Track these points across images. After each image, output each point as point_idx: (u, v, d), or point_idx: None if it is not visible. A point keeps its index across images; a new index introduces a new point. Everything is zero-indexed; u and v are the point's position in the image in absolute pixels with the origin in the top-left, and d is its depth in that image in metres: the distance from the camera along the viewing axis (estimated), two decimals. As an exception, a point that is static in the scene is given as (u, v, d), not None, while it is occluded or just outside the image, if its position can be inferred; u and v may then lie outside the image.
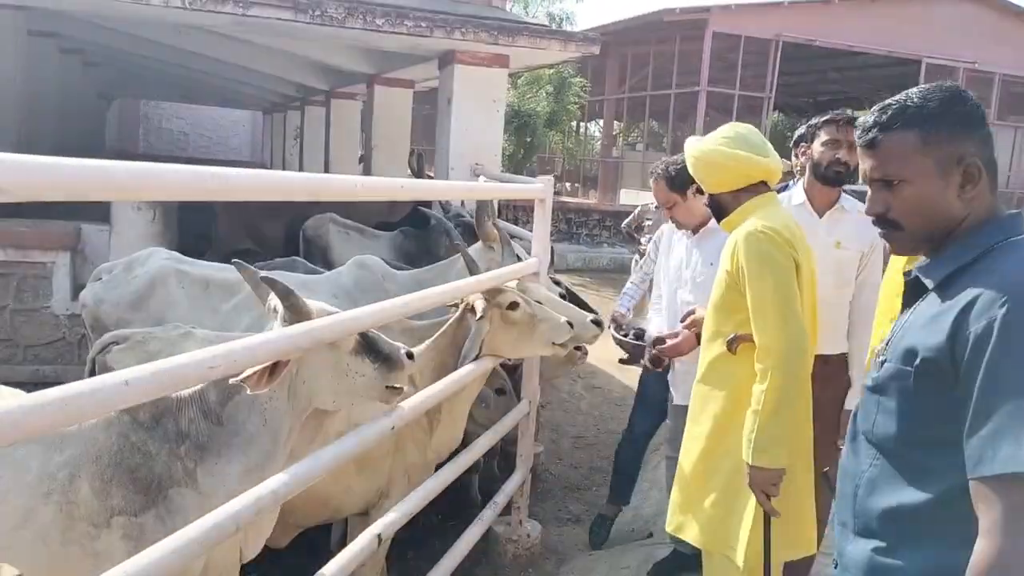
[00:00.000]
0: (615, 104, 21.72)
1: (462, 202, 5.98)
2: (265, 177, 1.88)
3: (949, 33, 18.74)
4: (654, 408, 3.98)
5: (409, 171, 8.06)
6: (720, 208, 2.71)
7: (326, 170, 12.53)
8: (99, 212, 5.97)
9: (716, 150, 2.64)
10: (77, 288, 5.96)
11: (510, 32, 6.00)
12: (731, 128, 2.72)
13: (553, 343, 3.26)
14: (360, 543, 2.39)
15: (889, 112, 1.49)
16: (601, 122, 25.94)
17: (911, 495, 1.39)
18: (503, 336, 3.27)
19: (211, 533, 1.58)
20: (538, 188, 3.81)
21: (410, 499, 2.72)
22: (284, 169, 16.52)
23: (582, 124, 26.04)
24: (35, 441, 1.79)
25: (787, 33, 17.71)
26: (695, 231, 3.44)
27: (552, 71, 17.05)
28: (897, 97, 1.53)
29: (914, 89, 1.54)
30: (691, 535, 2.70)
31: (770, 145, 2.72)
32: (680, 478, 2.78)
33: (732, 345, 2.59)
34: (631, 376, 7.86)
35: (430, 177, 8.68)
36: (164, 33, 8.88)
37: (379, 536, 2.45)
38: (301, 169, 14.04)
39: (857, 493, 1.49)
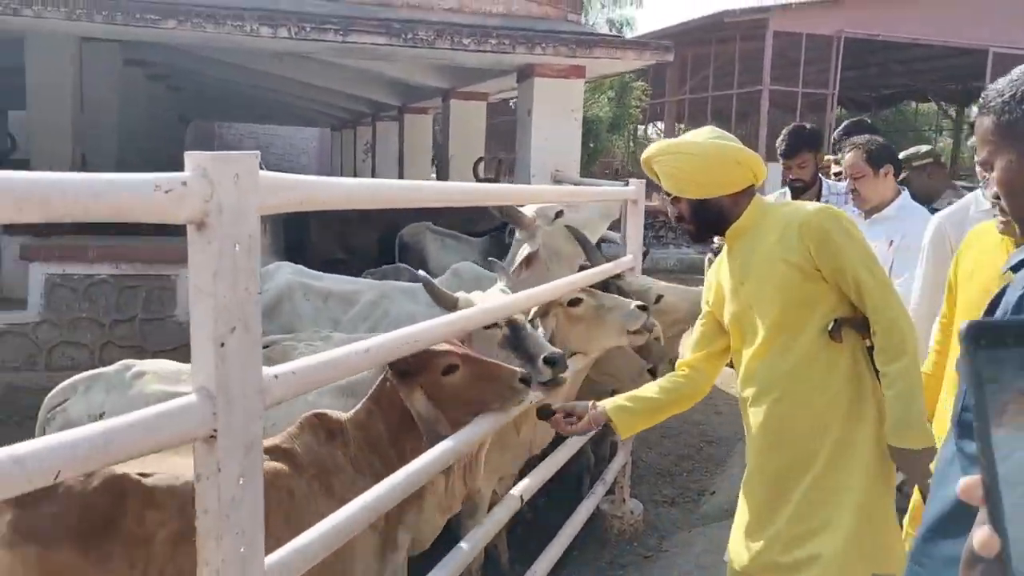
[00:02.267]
0: (676, 106, 21.88)
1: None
2: (424, 186, 2.25)
3: (1015, 21, 18.45)
4: None
5: (474, 179, 8.52)
6: (720, 215, 2.37)
7: (401, 182, 13.07)
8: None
9: (729, 146, 2.35)
10: (197, 298, 6.50)
11: (587, 45, 6.36)
12: (711, 130, 2.47)
13: (628, 331, 3.21)
14: (506, 504, 2.75)
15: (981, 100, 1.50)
16: (661, 124, 26.13)
17: None
18: (573, 333, 3.27)
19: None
20: (631, 191, 4.14)
21: (542, 468, 3.07)
22: (356, 183, 17.13)
23: (642, 127, 26.23)
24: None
25: (849, 29, 17.68)
26: (868, 214, 3.55)
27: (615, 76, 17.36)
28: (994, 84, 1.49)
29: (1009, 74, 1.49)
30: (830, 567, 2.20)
31: None
32: (791, 520, 2.28)
33: (837, 332, 2.25)
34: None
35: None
36: (248, 58, 9.45)
37: (521, 497, 2.80)
38: (374, 182, 14.58)
39: None
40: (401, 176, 13.22)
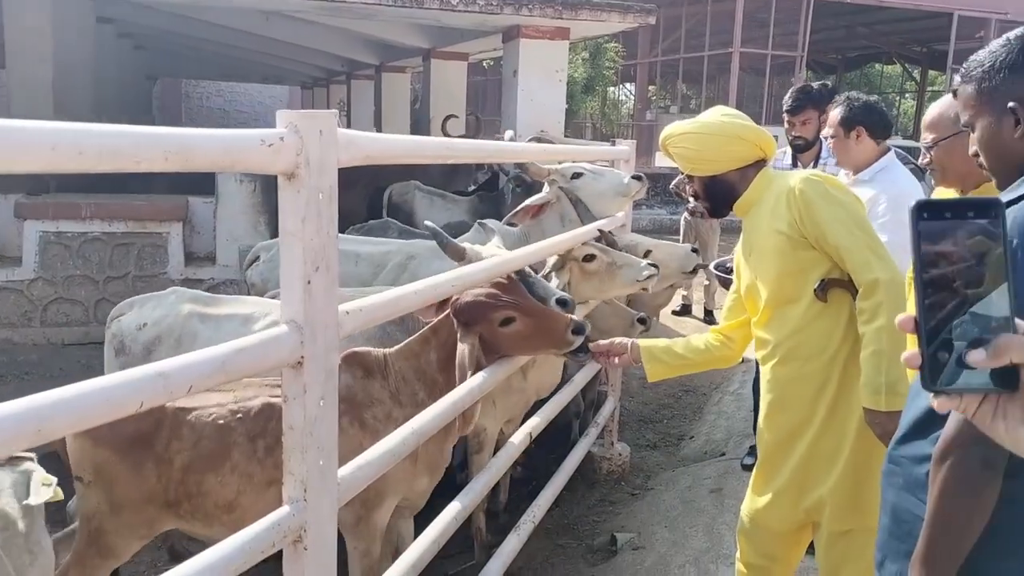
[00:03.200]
0: (648, 68, 22.01)
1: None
2: (457, 143, 2.43)
3: (981, -16, 18.81)
4: None
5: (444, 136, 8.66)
6: (729, 190, 2.48)
7: (378, 142, 13.08)
8: (204, 186, 6.58)
9: (733, 123, 2.45)
10: (188, 255, 6.60)
11: (573, 7, 6.48)
12: (721, 109, 2.59)
13: (637, 280, 3.46)
14: (517, 439, 2.97)
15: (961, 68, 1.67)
16: (632, 86, 26.23)
17: None
18: (585, 285, 3.52)
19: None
20: (623, 150, 4.33)
21: (547, 408, 3.30)
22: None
23: (614, 88, 26.32)
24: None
25: (818, -9, 17.91)
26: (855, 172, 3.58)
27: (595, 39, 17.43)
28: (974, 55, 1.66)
29: (989, 45, 1.62)
30: (826, 517, 2.35)
31: None
32: (796, 472, 2.40)
33: (823, 290, 2.32)
34: (688, 328, 8.41)
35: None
36: (219, 15, 9.38)
37: (530, 434, 3.03)
38: (349, 142, 14.55)
39: None
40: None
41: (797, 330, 2.37)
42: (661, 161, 20.34)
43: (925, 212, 0.84)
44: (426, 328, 2.51)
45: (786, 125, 4.34)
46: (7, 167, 1.03)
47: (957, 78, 1.67)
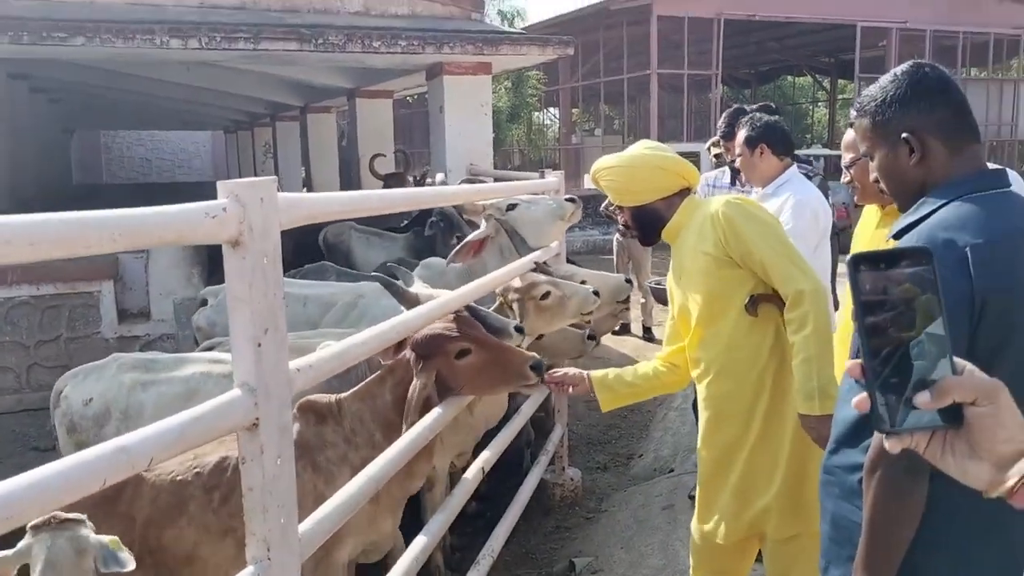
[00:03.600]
0: (570, 92, 22.40)
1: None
2: (395, 194, 2.48)
3: (879, -4, 19.70)
4: None
5: (372, 175, 8.69)
6: (656, 218, 2.59)
7: (308, 182, 13.04)
8: (134, 241, 6.47)
9: (654, 155, 2.59)
10: (122, 312, 6.49)
11: (493, 42, 6.62)
12: (645, 143, 2.72)
13: (583, 312, 3.65)
14: (470, 474, 3.02)
15: (856, 102, 1.82)
16: (555, 110, 26.66)
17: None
18: (538, 320, 3.62)
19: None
20: (552, 182, 4.45)
21: (498, 441, 3.35)
22: (257, 185, 16.91)
23: (538, 114, 26.69)
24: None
25: (727, 11, 18.52)
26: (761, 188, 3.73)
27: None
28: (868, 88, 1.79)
29: (883, 77, 1.72)
30: (770, 527, 2.46)
31: None
32: (736, 486, 2.50)
33: (753, 306, 2.43)
34: (628, 346, 8.57)
35: (415, 177, 9.31)
36: (136, 67, 9.27)
37: (483, 469, 3.08)
38: (279, 186, 14.45)
39: None
40: (308, 175, 13.20)
41: (728, 347, 2.47)
42: (591, 183, 20.69)
43: (862, 264, 0.89)
44: (382, 369, 2.55)
45: (721, 149, 4.55)
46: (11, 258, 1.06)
47: (852, 111, 1.78)
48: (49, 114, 15.62)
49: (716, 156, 5.14)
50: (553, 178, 4.48)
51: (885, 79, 1.69)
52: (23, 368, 6.16)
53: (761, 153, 3.67)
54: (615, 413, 6.48)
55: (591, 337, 4.01)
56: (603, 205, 8.97)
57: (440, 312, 2.47)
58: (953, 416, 0.86)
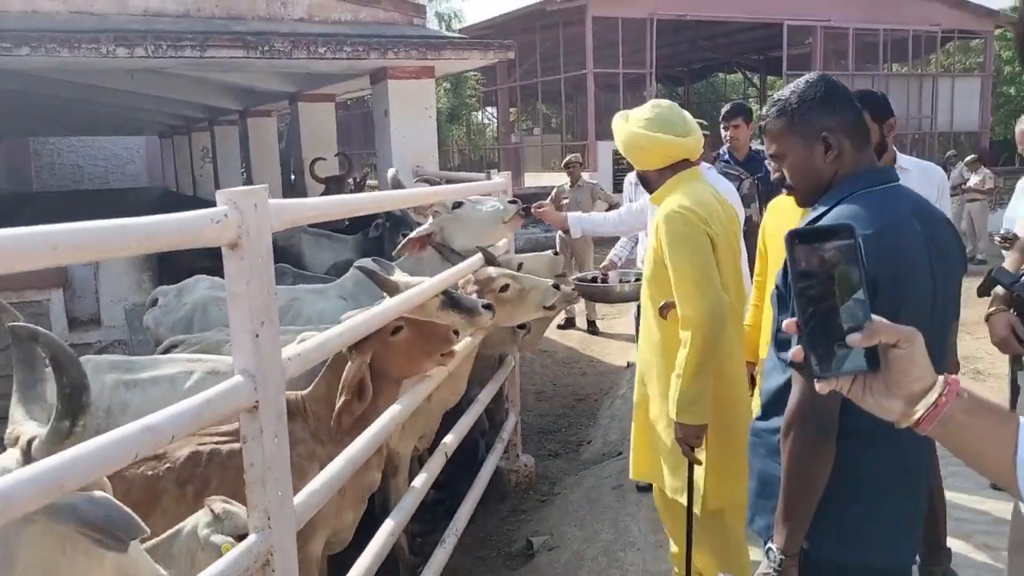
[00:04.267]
0: (508, 92, 22.65)
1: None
2: (367, 198, 2.67)
3: (804, -5, 20.41)
4: None
5: (313, 179, 8.81)
6: (648, 184, 2.92)
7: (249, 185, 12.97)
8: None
9: (638, 133, 2.79)
10: (72, 320, 6.49)
11: (436, 47, 6.81)
12: (651, 109, 2.87)
13: (543, 306, 3.84)
14: (435, 461, 3.22)
15: (768, 106, 1.97)
16: (493, 110, 26.89)
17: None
18: (500, 312, 3.66)
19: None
20: (500, 183, 4.66)
21: (459, 425, 3.55)
22: (195, 190, 16.78)
23: (476, 113, 26.88)
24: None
25: (660, 11, 18.98)
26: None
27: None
28: (777, 94, 2.01)
29: (789, 86, 1.93)
30: (641, 474, 3.09)
31: (692, 122, 2.91)
32: (635, 432, 3.08)
33: (663, 311, 2.79)
34: (573, 339, 8.84)
35: (355, 179, 9.43)
36: (67, 72, 9.16)
37: (446, 453, 3.28)
38: (217, 189, 14.33)
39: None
40: (249, 179, 13.16)
41: (649, 331, 2.93)
42: (531, 181, 20.97)
43: (797, 239, 1.06)
44: (324, 369, 2.64)
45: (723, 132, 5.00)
46: (14, 267, 1.23)
47: (765, 113, 1.98)
48: (-23, 120, 15.25)
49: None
50: (500, 179, 4.69)
51: (800, 83, 1.89)
52: (-28, 379, 6.12)
53: (889, 131, 3.21)
54: (563, 403, 6.77)
55: (521, 326, 4.18)
56: (532, 207, 9.27)
57: (420, 298, 2.67)
58: (874, 362, 1.05)
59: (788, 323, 1.09)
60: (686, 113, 2.91)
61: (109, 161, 26.19)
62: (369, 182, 11.17)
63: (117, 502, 1.42)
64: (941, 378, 1.04)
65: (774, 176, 2.82)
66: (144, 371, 3.09)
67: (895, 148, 3.30)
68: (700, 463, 2.70)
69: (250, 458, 1.75)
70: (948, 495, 3.48)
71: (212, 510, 1.90)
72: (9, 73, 9.63)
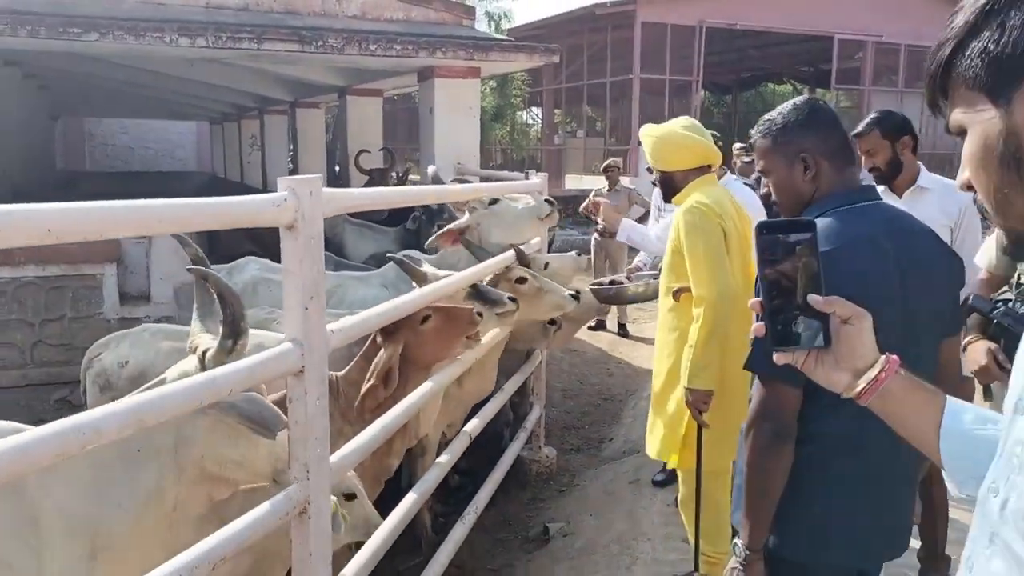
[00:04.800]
0: (553, 94, 22.82)
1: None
2: (410, 190, 2.88)
3: (858, 10, 20.23)
4: None
5: (358, 171, 9.06)
6: (672, 185, 3.21)
7: (295, 175, 13.31)
8: (136, 227, 6.80)
9: (679, 132, 3.16)
10: (123, 295, 6.81)
11: (483, 48, 7.02)
12: (685, 119, 3.28)
13: (559, 307, 4.01)
14: (459, 442, 3.42)
15: (758, 126, 2.08)
16: (538, 111, 27.08)
17: None
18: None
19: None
20: (537, 183, 4.85)
21: (484, 411, 3.75)
22: (243, 177, 17.23)
23: (521, 113, 27.08)
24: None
25: (709, 19, 19.01)
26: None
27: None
28: (767, 115, 2.08)
29: (778, 108, 2.06)
30: (652, 450, 3.33)
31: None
32: (651, 409, 3.34)
33: (676, 295, 3.12)
34: (603, 341, 8.99)
35: (398, 173, 9.68)
36: (138, 59, 9.54)
37: (470, 435, 3.48)
38: (264, 177, 14.73)
39: None
40: (295, 168, 13.50)
41: (666, 311, 3.22)
42: (571, 183, 21.13)
43: (763, 230, 1.22)
44: (359, 355, 2.85)
45: (750, 157, 4.86)
46: (112, 233, 1.44)
47: (754, 132, 2.10)
48: (38, 100, 15.80)
49: (745, 163, 5.34)
50: (537, 179, 4.88)
51: (787, 107, 2.04)
52: (28, 345, 6.46)
53: (904, 148, 3.29)
54: (588, 402, 6.94)
55: (552, 322, 4.35)
56: (582, 206, 9.43)
57: (451, 288, 2.88)
58: (827, 338, 1.20)
59: (753, 302, 1.25)
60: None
61: (160, 145, 26.91)
62: (411, 176, 11.44)
63: (267, 402, 1.88)
64: (883, 356, 1.19)
65: (761, 191, 2.98)
66: (196, 342, 3.32)
67: (921, 165, 3.41)
68: (707, 426, 2.95)
69: (295, 416, 1.96)
70: (952, 504, 3.58)
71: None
72: (75, 56, 10.05)
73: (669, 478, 4.31)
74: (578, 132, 26.41)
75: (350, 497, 2.33)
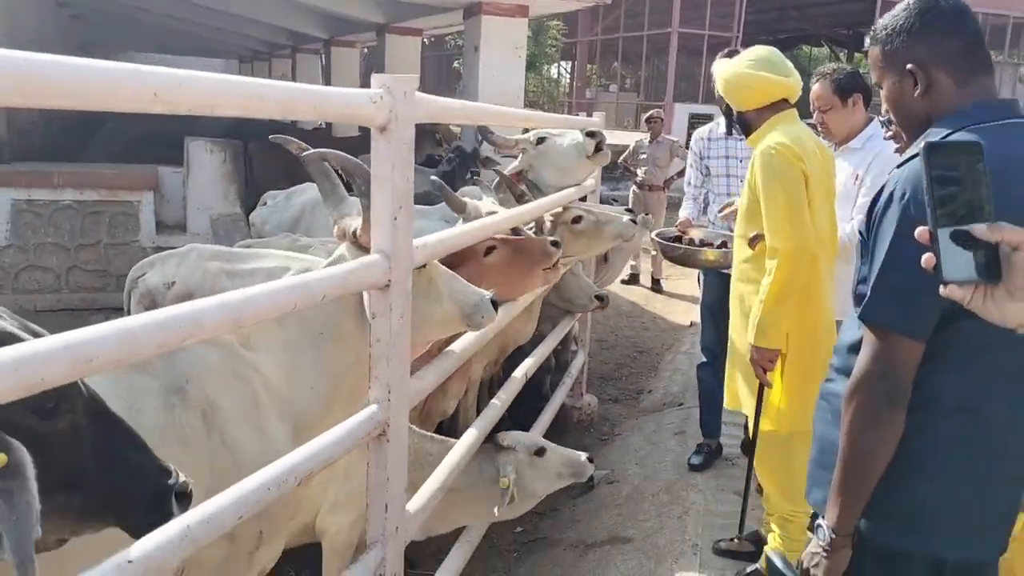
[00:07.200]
0: (588, 46, 22.41)
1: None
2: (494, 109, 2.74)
3: (904, -29, 19.66)
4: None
5: None
6: (747, 125, 3.03)
7: (328, 116, 13.13)
8: (174, 156, 6.71)
9: (743, 72, 2.94)
10: (159, 223, 6.73)
11: (534, -14, 6.78)
12: (755, 51, 3.02)
13: (620, 235, 3.94)
14: (513, 383, 3.32)
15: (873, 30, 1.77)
16: (567, 65, 26.65)
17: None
18: (574, 244, 3.89)
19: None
20: (596, 121, 4.68)
21: (539, 350, 3.65)
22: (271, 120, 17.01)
23: (552, 66, 26.66)
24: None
25: (753, -26, 18.53)
26: (838, 146, 3.48)
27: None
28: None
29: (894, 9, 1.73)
30: (727, 400, 3.20)
31: (791, 65, 3.03)
32: (728, 359, 3.20)
33: (752, 243, 2.95)
34: (636, 295, 8.86)
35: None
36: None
37: (526, 374, 3.38)
38: (293, 122, 14.53)
39: None
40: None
41: (742, 260, 3.07)
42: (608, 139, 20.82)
43: (934, 148, 1.12)
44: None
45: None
46: (220, 108, 1.32)
47: (867, 39, 1.81)
48: (70, 31, 15.61)
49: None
50: (596, 119, 4.71)
51: (899, 8, 1.69)
52: (63, 269, 6.42)
53: (855, 104, 3.44)
54: (624, 354, 6.83)
55: (599, 297, 4.29)
56: (621, 158, 9.22)
57: (514, 221, 2.76)
58: (994, 272, 1.08)
59: (921, 231, 1.11)
60: (784, 57, 3.05)
61: (188, 82, 26.67)
62: (452, 128, 11.24)
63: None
64: None
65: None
66: (245, 263, 3.21)
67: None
68: (770, 386, 2.83)
69: (377, 334, 1.85)
70: None
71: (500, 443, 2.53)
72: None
73: (705, 462, 4.10)
74: (610, 87, 26.00)
75: (539, 452, 2.53)
